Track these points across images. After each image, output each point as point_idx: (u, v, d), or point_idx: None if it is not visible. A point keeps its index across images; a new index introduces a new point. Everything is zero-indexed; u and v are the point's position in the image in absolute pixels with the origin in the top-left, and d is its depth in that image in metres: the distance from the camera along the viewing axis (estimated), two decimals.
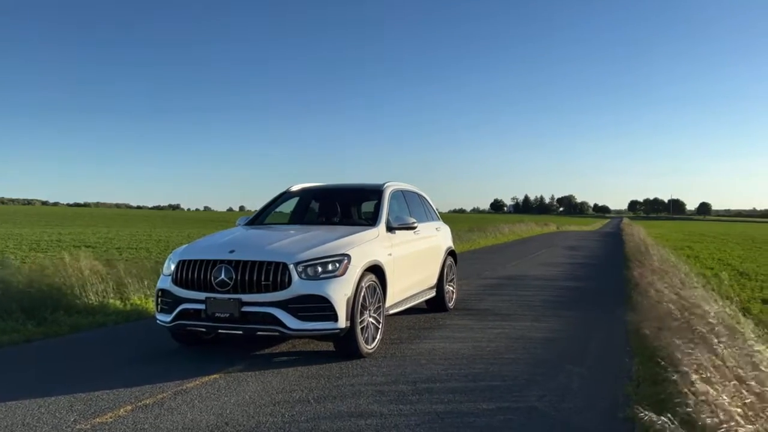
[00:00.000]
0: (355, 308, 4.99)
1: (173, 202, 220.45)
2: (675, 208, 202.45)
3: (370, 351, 5.26)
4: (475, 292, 9.50)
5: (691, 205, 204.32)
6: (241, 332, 4.95)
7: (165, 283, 5.30)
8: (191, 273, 5.06)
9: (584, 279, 12.08)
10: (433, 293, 7.36)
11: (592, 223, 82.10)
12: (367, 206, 6.98)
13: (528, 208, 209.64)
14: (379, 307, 5.48)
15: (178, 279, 5.14)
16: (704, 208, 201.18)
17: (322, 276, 4.90)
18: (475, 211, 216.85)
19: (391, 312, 6.05)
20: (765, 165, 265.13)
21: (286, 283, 4.81)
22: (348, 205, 7.06)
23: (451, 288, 7.98)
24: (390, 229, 6.12)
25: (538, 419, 3.78)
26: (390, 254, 5.86)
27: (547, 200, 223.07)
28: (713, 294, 8.71)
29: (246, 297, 4.82)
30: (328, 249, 5.10)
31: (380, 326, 5.49)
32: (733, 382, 3.31)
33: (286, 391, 4.28)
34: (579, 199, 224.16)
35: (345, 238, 5.42)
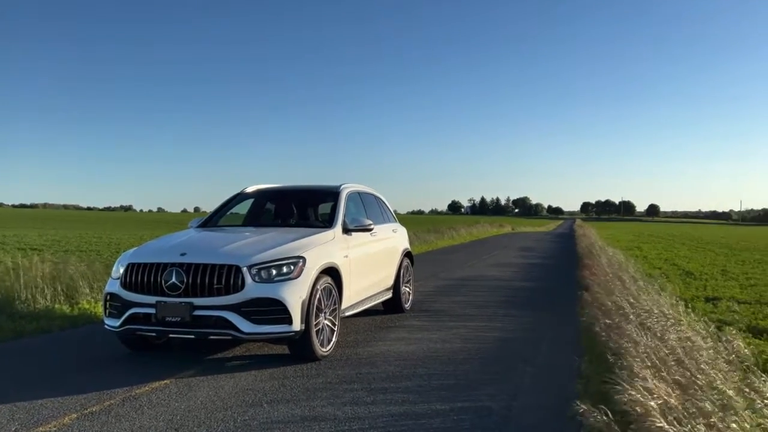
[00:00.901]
0: (310, 311, 4.96)
1: (125, 203, 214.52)
2: (625, 209, 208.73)
3: (326, 353, 5.24)
4: (431, 293, 9.58)
5: (641, 206, 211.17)
6: (193, 336, 4.86)
7: (113, 287, 5.17)
8: (141, 276, 4.95)
9: (537, 279, 12.34)
10: (389, 295, 7.39)
11: (547, 225, 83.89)
12: (324, 208, 6.97)
13: (485, 209, 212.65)
14: (334, 310, 5.47)
15: (127, 282, 5.02)
16: (653, 210, 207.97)
17: (276, 279, 4.86)
18: (434, 212, 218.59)
19: (348, 314, 6.04)
20: (710, 168, 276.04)
21: (239, 287, 4.74)
22: (304, 207, 7.03)
23: (408, 289, 8.02)
24: (346, 230, 6.11)
25: (490, 418, 3.84)
26: (346, 256, 5.85)
27: (503, 202, 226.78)
28: (660, 293, 9.01)
29: (198, 301, 4.74)
30: (282, 251, 5.06)
31: (336, 328, 5.48)
32: (674, 377, 3.43)
33: (239, 395, 4.22)
34: (534, 201, 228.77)
35: (300, 240, 5.39)
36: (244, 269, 4.78)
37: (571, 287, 10.60)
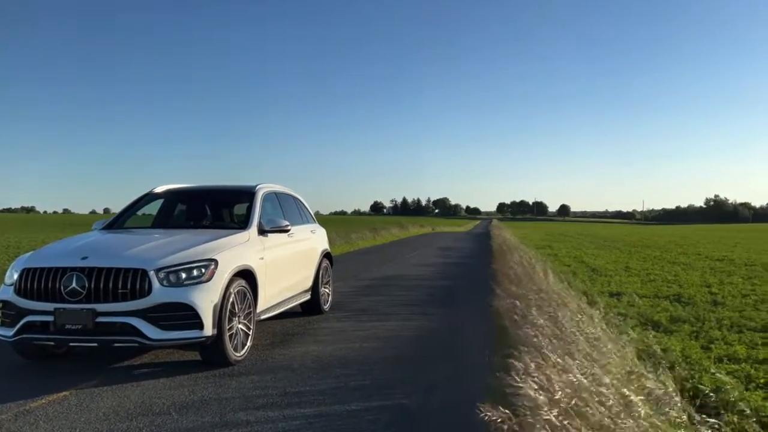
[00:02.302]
0: (222, 315, 4.82)
1: (27, 204, 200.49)
2: (538, 209, 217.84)
3: (240, 358, 5.11)
4: (351, 294, 9.58)
5: (553, 206, 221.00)
6: (96, 344, 4.60)
7: (7, 294, 4.81)
8: (37, 282, 4.63)
9: (455, 278, 12.62)
10: (308, 296, 7.31)
11: (465, 224, 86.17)
12: (240, 209, 6.80)
13: (406, 209, 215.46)
14: (249, 313, 5.34)
15: (22, 289, 4.68)
16: (564, 210, 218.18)
17: (186, 282, 4.68)
18: (356, 212, 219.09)
19: (264, 317, 5.92)
20: (616, 170, 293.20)
21: (145, 291, 4.53)
22: (218, 208, 6.84)
23: (327, 290, 7.98)
24: (262, 232, 5.99)
25: (405, 416, 3.87)
26: (262, 258, 5.73)
27: (423, 202, 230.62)
28: (568, 289, 9.45)
29: (101, 307, 4.49)
30: (193, 254, 4.88)
31: (251, 332, 5.35)
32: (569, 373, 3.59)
33: (146, 404, 4.03)
34: (453, 202, 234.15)
35: (212, 242, 5.22)
36: (151, 273, 4.57)
37: (486, 285, 10.92)
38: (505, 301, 7.62)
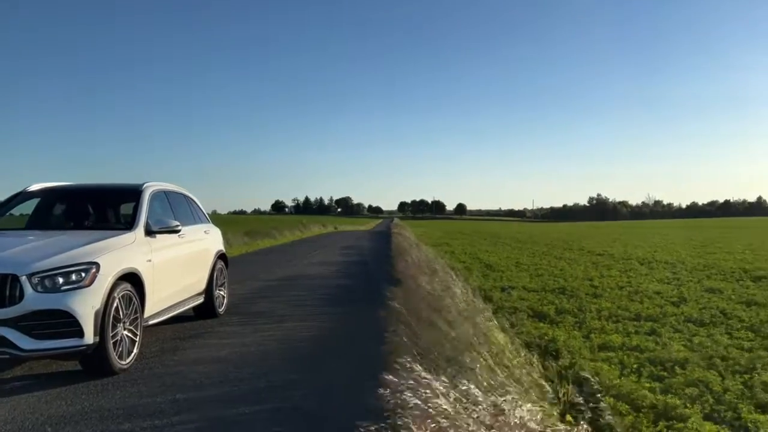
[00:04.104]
0: (105, 321, 4.53)
1: None
2: (437, 208, 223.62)
3: (125, 366, 4.82)
4: (248, 296, 9.35)
5: (450, 205, 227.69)
6: None
7: None
8: None
9: (355, 276, 12.68)
10: (201, 299, 7.04)
11: (367, 223, 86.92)
12: (126, 209, 6.41)
13: (309, 209, 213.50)
14: (136, 319, 5.06)
15: None
16: (461, 209, 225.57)
17: (63, 288, 4.35)
18: (257, 212, 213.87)
19: (152, 322, 5.63)
20: (508, 170, 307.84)
21: (16, 298, 4.17)
22: (103, 208, 6.43)
23: (222, 293, 7.73)
24: (150, 233, 5.69)
25: (300, 418, 3.83)
26: (149, 260, 5.45)
27: (326, 201, 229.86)
28: (463, 284, 9.79)
29: None
30: (71, 257, 4.54)
31: (138, 339, 5.07)
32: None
33: (17, 420, 3.70)
34: (355, 201, 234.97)
35: (94, 244, 4.89)
36: (23, 278, 4.21)
37: (385, 282, 11.06)
38: (404, 297, 7.76)
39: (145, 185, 6.22)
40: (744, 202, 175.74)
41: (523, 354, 5.37)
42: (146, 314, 5.34)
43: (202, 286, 7.05)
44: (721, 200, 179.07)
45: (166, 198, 6.58)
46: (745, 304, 8.35)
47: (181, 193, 7.23)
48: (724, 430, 3.67)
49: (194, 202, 7.59)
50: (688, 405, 4.08)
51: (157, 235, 5.76)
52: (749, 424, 3.71)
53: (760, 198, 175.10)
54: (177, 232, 6.02)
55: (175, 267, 6.12)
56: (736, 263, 14.36)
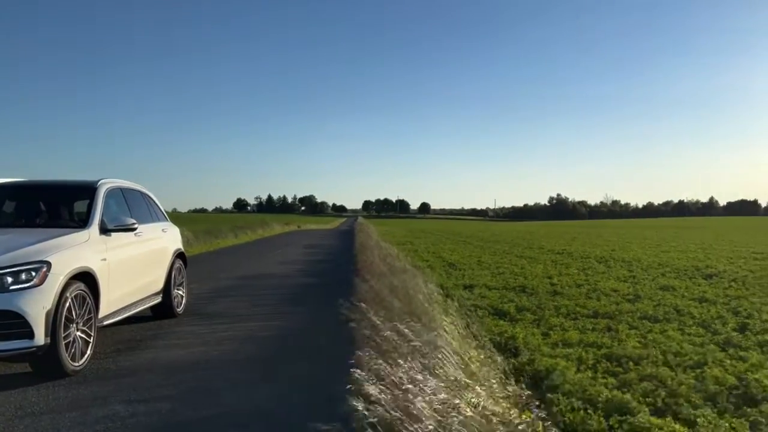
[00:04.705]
0: (57, 322, 4.39)
1: None
2: (401, 207, 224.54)
3: (78, 368, 4.68)
4: (208, 295, 9.20)
5: (414, 204, 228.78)
6: None
7: None
8: None
9: (319, 275, 12.61)
10: (159, 299, 6.90)
11: (332, 222, 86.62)
12: (81, 206, 6.22)
13: (272, 207, 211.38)
14: (90, 319, 4.91)
15: None
16: (425, 208, 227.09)
17: (12, 287, 4.20)
18: (218, 210, 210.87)
19: (107, 323, 5.48)
20: (470, 170, 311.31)
21: None
22: (55, 205, 6.22)
23: (181, 292, 7.59)
24: (105, 231, 5.53)
25: (264, 420, 3.78)
26: (104, 259, 5.30)
27: (289, 200, 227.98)
28: (427, 282, 9.83)
29: None
30: (20, 255, 4.38)
31: (92, 340, 4.93)
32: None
33: None
34: (319, 199, 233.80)
35: (45, 242, 4.72)
36: None
37: (349, 281, 11.03)
38: (367, 295, 7.75)
39: (100, 182, 6.05)
40: (697, 202, 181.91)
41: (477, 350, 5.42)
42: (101, 314, 5.21)
43: (160, 285, 6.91)
44: (676, 201, 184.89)
45: (122, 195, 6.42)
46: (697, 301, 8.62)
47: (138, 191, 7.06)
48: (669, 423, 3.77)
49: (152, 199, 7.42)
50: (640, 400, 4.19)
51: (113, 234, 5.61)
52: (699, 419, 3.83)
53: (712, 199, 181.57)
54: (133, 230, 5.88)
55: (131, 266, 5.98)
56: (689, 262, 14.82)
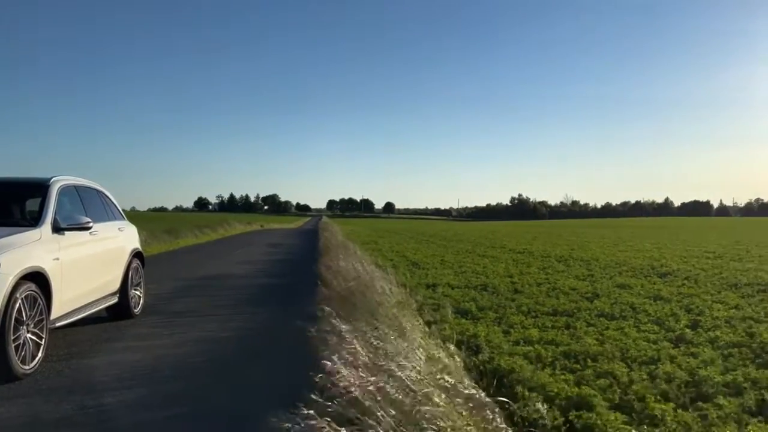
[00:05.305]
0: (6, 324, 4.23)
1: None
2: (366, 206, 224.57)
3: (29, 371, 4.52)
4: (167, 296, 9.01)
5: (379, 204, 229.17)
6: None
7: None
8: None
9: (281, 275, 12.50)
10: (115, 299, 6.72)
11: (295, 221, 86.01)
12: (33, 204, 6.01)
13: (234, 206, 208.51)
14: (41, 321, 4.75)
15: None
16: (389, 207, 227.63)
17: None
18: (178, 209, 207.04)
19: (60, 324, 5.31)
20: (434, 170, 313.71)
21: None
22: (6, 203, 6.01)
23: (138, 292, 7.41)
24: (58, 230, 5.36)
25: (221, 421, 3.72)
26: (57, 259, 5.14)
27: (252, 199, 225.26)
28: (390, 281, 9.84)
29: None
30: None
31: (43, 342, 4.77)
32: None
33: None
34: (283, 198, 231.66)
35: None
36: None
37: (312, 280, 10.96)
38: (330, 295, 7.71)
39: (53, 179, 5.86)
40: (653, 203, 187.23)
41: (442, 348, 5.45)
42: (53, 316, 5.04)
43: (116, 285, 6.73)
44: (633, 201, 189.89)
45: (76, 193, 6.23)
46: (652, 298, 8.86)
47: (94, 189, 6.87)
48: (623, 418, 3.86)
49: (108, 197, 7.23)
50: (597, 396, 4.27)
51: (66, 233, 5.44)
52: (657, 413, 3.93)
53: (667, 199, 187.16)
54: (88, 229, 5.72)
55: (85, 266, 5.81)
56: (645, 260, 15.23)
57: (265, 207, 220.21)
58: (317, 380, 3.32)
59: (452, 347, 5.10)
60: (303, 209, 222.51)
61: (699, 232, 37.62)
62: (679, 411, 4.03)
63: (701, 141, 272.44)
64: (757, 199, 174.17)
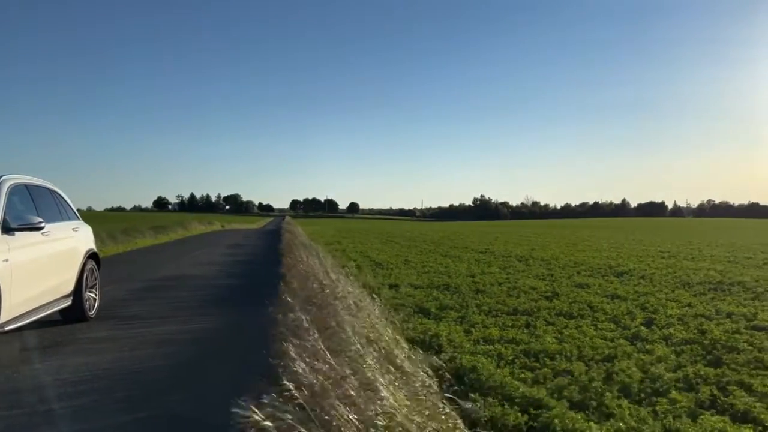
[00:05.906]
0: None
1: None
2: (330, 207, 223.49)
3: None
4: (123, 298, 8.79)
5: (343, 204, 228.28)
6: None
7: None
8: None
9: (242, 276, 12.34)
10: (69, 302, 6.51)
11: (258, 222, 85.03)
12: None
13: (194, 206, 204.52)
14: None
15: None
16: (353, 207, 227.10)
17: None
18: (137, 209, 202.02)
19: (10, 328, 5.12)
20: (398, 171, 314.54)
21: None
22: None
23: (93, 295, 7.20)
24: (8, 230, 5.17)
25: (177, 425, 3.64)
26: (6, 260, 4.95)
27: (213, 198, 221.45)
28: (353, 282, 9.83)
29: None
30: None
31: None
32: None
33: None
34: (245, 198, 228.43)
35: None
36: None
37: (274, 281, 10.84)
38: (291, 296, 7.64)
39: (2, 178, 5.64)
40: (611, 203, 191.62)
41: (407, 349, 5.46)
42: (3, 319, 4.86)
43: (70, 287, 6.53)
44: (591, 202, 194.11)
45: (27, 192, 6.01)
46: (609, 297, 9.07)
47: (46, 188, 6.64)
48: (582, 415, 3.94)
49: (61, 197, 7.00)
50: (555, 394, 4.35)
51: (17, 233, 5.25)
52: (615, 410, 4.01)
53: (624, 200, 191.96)
54: (40, 229, 5.53)
55: (37, 267, 5.62)
56: (603, 260, 15.59)
57: (227, 207, 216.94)
58: (274, 378, 3.28)
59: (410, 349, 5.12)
60: (266, 209, 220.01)
61: (654, 232, 38.76)
62: (635, 406, 4.13)
63: (658, 144, 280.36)
64: (709, 201, 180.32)
